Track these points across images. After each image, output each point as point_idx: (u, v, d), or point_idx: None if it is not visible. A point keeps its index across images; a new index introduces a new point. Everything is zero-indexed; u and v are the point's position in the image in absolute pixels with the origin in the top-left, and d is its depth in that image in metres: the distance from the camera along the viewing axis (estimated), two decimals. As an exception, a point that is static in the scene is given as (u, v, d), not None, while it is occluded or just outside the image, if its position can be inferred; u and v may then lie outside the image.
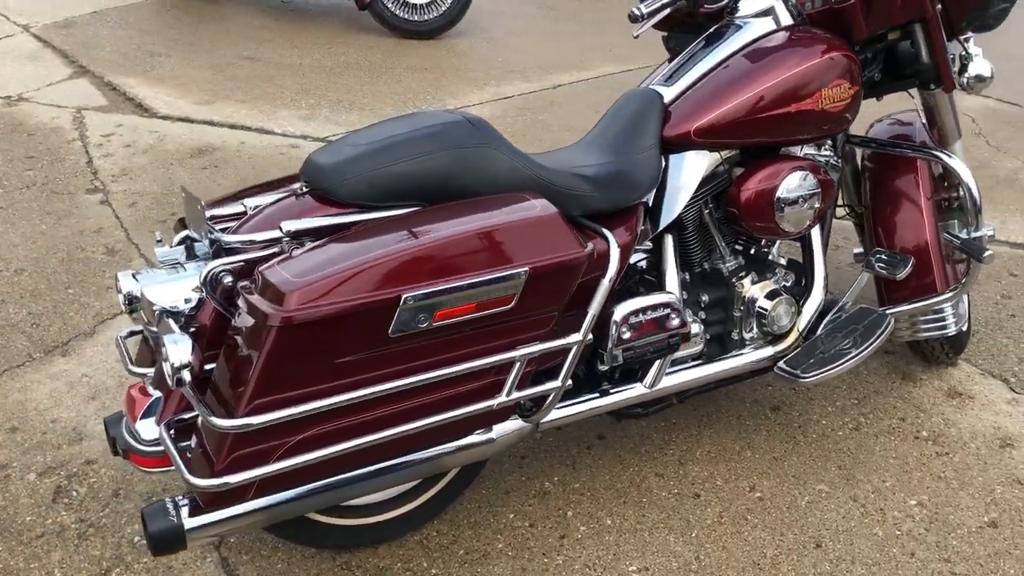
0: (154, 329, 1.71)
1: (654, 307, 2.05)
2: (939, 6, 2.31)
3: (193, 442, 1.71)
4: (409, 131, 1.86)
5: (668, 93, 2.21)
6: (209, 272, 1.71)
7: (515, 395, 1.85)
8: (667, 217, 2.16)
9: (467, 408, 1.79)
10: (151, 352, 1.88)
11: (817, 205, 2.25)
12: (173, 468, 1.71)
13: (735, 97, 2.14)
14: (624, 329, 2.02)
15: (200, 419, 1.69)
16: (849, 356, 2.29)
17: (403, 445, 1.77)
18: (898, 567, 2.17)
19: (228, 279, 1.71)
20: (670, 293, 2.11)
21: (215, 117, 4.67)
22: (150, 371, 1.83)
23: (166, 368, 1.59)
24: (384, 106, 4.99)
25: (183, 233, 1.91)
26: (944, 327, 2.61)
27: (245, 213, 1.89)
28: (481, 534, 2.20)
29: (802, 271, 2.41)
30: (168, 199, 3.79)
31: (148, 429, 1.76)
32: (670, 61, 2.37)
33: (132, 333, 1.97)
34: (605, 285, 1.90)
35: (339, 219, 1.77)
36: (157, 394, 1.79)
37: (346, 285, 1.57)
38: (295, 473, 1.67)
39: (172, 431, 1.72)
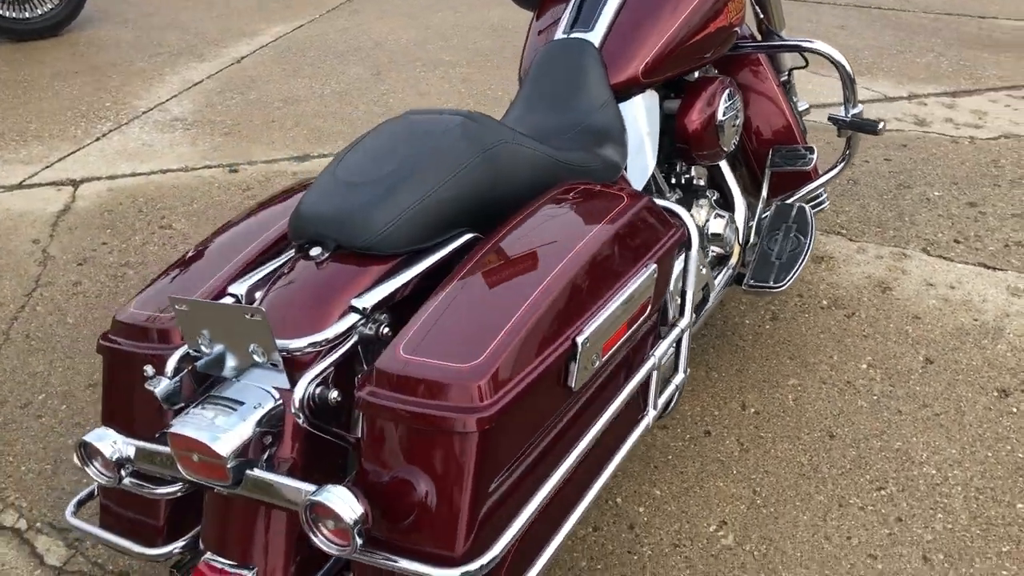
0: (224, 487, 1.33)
1: None
2: None
3: None
4: (420, 148, 1.58)
5: (594, 38, 2.08)
6: (306, 393, 1.36)
7: (659, 402, 1.70)
8: (645, 173, 2.06)
9: (631, 435, 1.62)
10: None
11: (740, 119, 2.28)
12: None
13: (668, 26, 2.06)
14: None
15: None
16: (804, 251, 2.39)
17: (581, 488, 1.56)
18: (898, 427, 2.36)
19: (334, 394, 1.38)
20: None
21: None
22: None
23: (321, 539, 1.25)
24: (64, 127, 4.22)
25: (178, 353, 1.49)
26: (823, 202, 2.81)
27: (238, 300, 1.54)
28: (560, 560, 2.05)
29: (719, 188, 2.45)
30: None
31: None
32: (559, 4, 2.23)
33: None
34: (695, 257, 1.78)
35: (401, 276, 1.50)
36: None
37: (521, 352, 1.32)
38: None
39: None
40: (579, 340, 1.38)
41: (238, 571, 1.40)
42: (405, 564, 1.26)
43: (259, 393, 1.37)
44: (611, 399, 1.53)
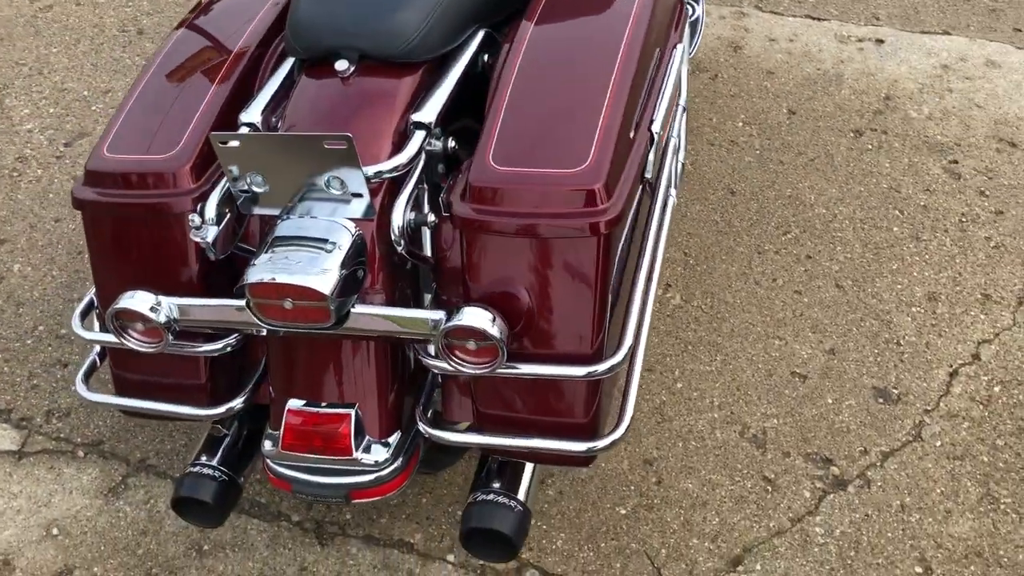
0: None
1: None
2: None
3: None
4: None
5: None
6: (406, 220, 1.34)
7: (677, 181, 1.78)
8: None
9: (667, 219, 1.70)
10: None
11: None
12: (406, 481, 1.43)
13: None
14: None
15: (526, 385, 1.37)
16: None
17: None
18: (784, 176, 2.62)
19: (431, 217, 1.35)
20: None
21: None
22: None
23: (458, 362, 1.28)
24: None
25: (217, 197, 1.39)
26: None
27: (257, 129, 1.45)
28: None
29: None
30: None
31: (378, 450, 1.41)
32: None
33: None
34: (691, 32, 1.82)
35: (446, 83, 1.47)
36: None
37: (619, 149, 1.33)
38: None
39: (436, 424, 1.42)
40: (654, 130, 1.41)
41: (336, 411, 1.39)
42: (550, 369, 1.31)
43: (335, 227, 1.31)
44: (657, 188, 1.60)
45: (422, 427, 1.42)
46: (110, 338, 1.45)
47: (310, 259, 1.27)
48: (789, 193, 2.56)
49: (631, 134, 1.39)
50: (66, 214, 2.50)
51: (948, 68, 3.00)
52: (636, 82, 1.43)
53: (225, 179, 1.40)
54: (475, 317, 1.24)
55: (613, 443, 1.35)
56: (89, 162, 1.47)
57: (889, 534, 1.83)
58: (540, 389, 1.35)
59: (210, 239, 1.35)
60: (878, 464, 1.95)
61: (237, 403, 1.50)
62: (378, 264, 1.36)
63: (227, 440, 1.60)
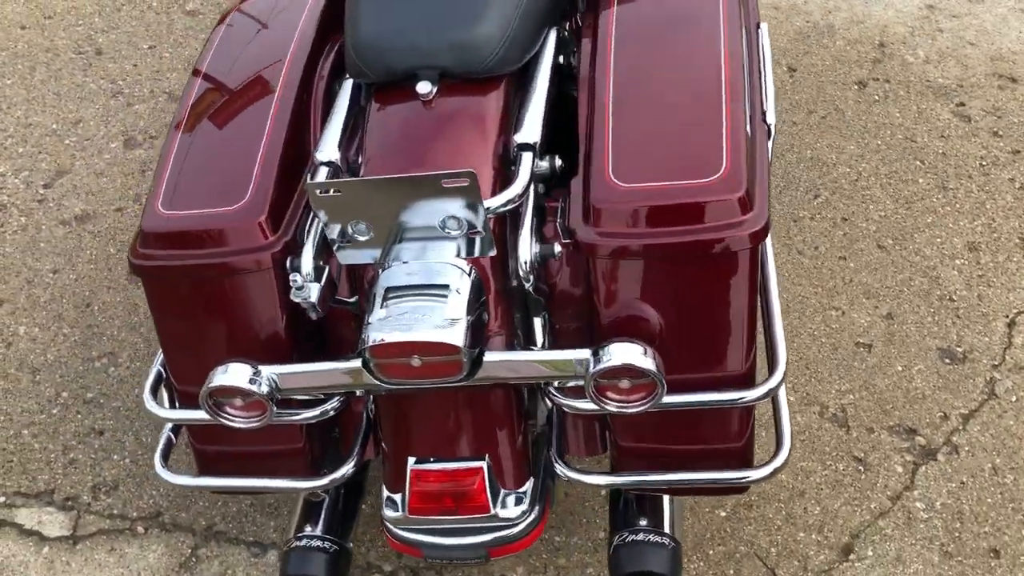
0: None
1: None
2: None
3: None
4: None
5: None
6: (533, 253, 1.25)
7: None
8: None
9: None
10: None
11: None
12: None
13: None
14: None
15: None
16: None
17: None
18: (801, 137, 2.56)
19: (557, 248, 1.26)
20: None
21: None
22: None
23: (612, 402, 1.19)
24: None
25: (312, 243, 1.28)
26: None
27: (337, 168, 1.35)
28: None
29: None
30: None
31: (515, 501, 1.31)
32: None
33: None
34: None
35: (537, 96, 1.37)
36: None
37: (747, 149, 1.23)
38: None
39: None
40: (770, 122, 1.33)
41: (466, 465, 1.29)
42: (715, 396, 1.23)
43: (449, 270, 1.20)
44: None
45: (562, 471, 1.33)
46: (197, 415, 1.32)
47: (432, 309, 1.16)
48: (810, 155, 2.51)
49: (757, 130, 1.30)
50: (63, 264, 2.32)
51: (933, 8, 2.97)
52: (748, 68, 1.33)
53: (314, 229, 1.29)
54: (628, 353, 1.15)
55: (776, 471, 1.28)
56: (145, 221, 1.33)
57: (989, 500, 1.81)
58: (690, 417, 1.27)
59: (314, 298, 1.23)
60: (960, 428, 1.93)
61: (347, 470, 1.39)
62: (495, 302, 1.25)
63: (327, 504, 1.49)
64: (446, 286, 1.18)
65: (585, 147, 1.29)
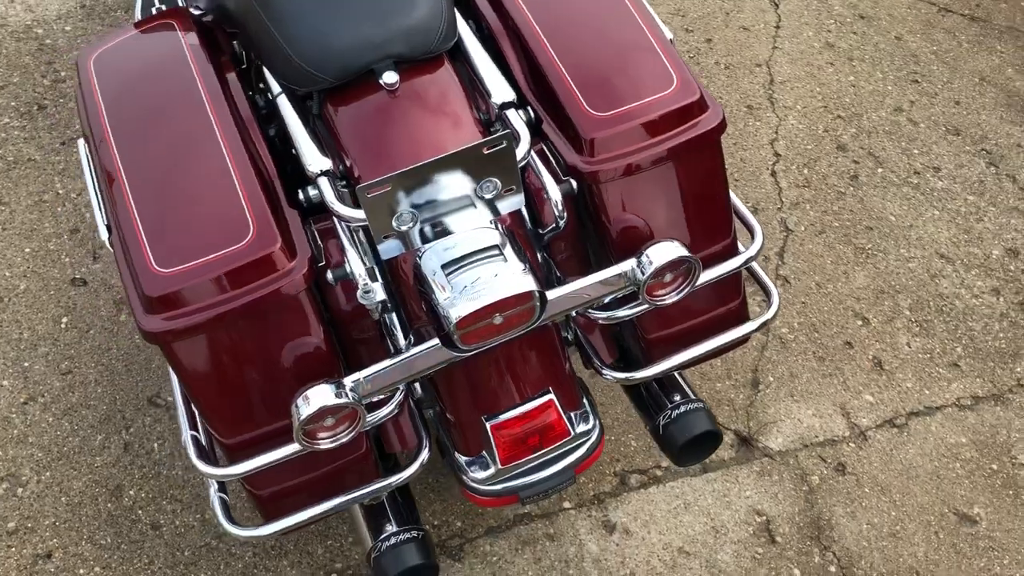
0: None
1: None
2: None
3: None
4: None
5: None
6: (556, 195, 1.42)
7: None
8: None
9: None
10: None
11: None
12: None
13: None
14: None
15: None
16: None
17: None
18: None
19: (574, 183, 1.44)
20: None
21: None
22: None
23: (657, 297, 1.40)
24: None
25: (353, 249, 1.37)
26: None
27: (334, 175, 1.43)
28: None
29: None
30: None
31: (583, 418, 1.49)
32: None
33: None
34: None
35: (484, 59, 1.51)
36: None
37: (678, 56, 1.49)
38: None
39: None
40: (669, 36, 1.57)
41: (537, 402, 1.43)
42: (728, 265, 1.49)
43: (484, 234, 1.30)
44: None
45: (610, 375, 1.51)
46: (271, 457, 1.33)
47: (497, 269, 1.27)
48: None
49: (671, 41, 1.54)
50: None
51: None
52: None
53: (344, 234, 1.37)
54: (669, 250, 1.35)
55: (775, 314, 1.57)
56: (147, 287, 1.28)
57: (826, 308, 2.27)
58: (698, 293, 1.48)
59: (381, 296, 1.31)
60: (780, 263, 2.37)
61: (424, 456, 1.46)
62: (526, 248, 1.39)
63: (387, 500, 1.55)
64: (494, 246, 1.28)
65: (545, 90, 1.47)
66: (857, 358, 2.19)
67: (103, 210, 1.47)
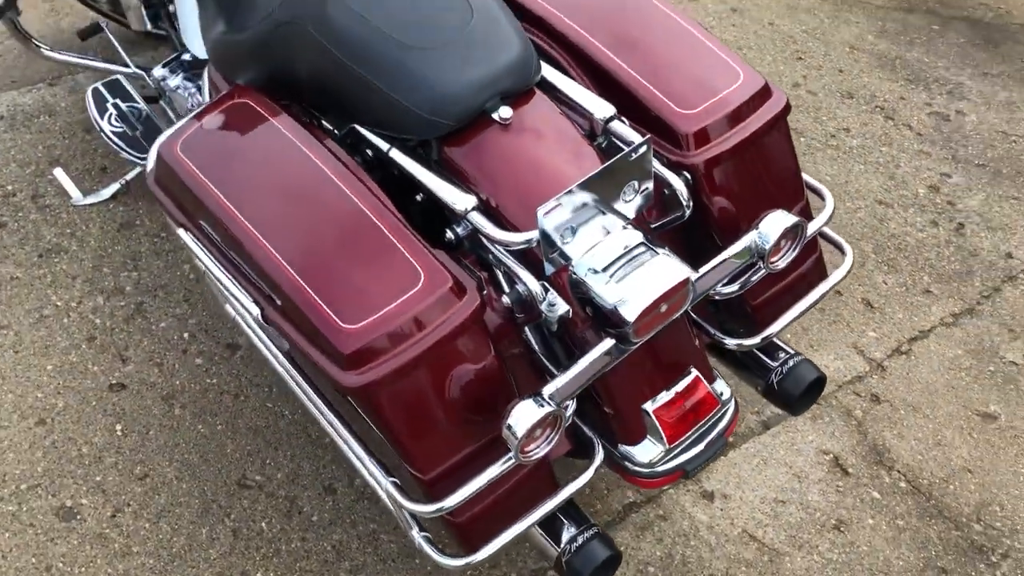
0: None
1: None
2: None
3: None
4: None
5: None
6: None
7: None
8: None
9: None
10: None
11: None
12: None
13: None
14: None
15: None
16: None
17: None
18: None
19: (687, 174, 1.59)
20: None
21: None
22: None
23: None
24: None
25: (519, 270, 1.48)
26: None
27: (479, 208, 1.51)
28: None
29: None
30: None
31: (720, 385, 1.63)
32: None
33: None
34: None
35: (565, 79, 1.65)
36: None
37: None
38: None
39: None
40: None
41: (686, 381, 1.56)
42: (817, 223, 1.68)
43: (623, 232, 1.42)
44: None
45: (732, 343, 1.67)
46: (481, 481, 1.39)
47: (652, 263, 1.39)
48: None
49: None
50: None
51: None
52: None
53: (505, 257, 1.46)
54: (784, 217, 1.48)
55: (852, 267, 1.78)
56: (341, 345, 1.33)
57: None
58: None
59: (565, 308, 1.41)
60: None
61: (600, 456, 1.55)
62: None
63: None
64: (640, 243, 1.41)
65: (623, 99, 1.61)
66: (850, 303, 2.46)
67: (240, 288, 1.50)
